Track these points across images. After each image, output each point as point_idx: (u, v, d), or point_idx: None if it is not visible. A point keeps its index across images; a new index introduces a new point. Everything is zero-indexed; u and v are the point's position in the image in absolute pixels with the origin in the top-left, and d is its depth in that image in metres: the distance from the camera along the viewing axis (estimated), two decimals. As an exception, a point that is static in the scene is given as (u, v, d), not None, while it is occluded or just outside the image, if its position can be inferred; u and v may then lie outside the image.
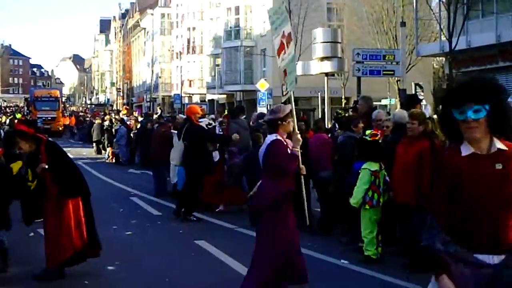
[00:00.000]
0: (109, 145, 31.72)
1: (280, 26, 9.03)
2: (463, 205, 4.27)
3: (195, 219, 14.15)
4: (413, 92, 29.92)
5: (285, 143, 7.83)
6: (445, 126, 4.44)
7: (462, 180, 4.26)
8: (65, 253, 9.08)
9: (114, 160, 30.92)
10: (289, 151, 7.82)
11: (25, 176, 9.10)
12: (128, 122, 32.49)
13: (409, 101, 12.73)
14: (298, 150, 8.04)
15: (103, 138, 34.70)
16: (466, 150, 4.31)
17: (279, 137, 7.80)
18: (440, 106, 4.44)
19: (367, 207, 10.14)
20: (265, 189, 7.91)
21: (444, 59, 34.31)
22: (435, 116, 10.91)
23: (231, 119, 16.97)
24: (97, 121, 37.89)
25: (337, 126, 14.60)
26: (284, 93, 9.05)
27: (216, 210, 15.12)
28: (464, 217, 4.28)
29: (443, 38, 28.75)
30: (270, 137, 7.89)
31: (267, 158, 7.83)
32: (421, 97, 29.01)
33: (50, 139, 9.84)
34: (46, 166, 8.93)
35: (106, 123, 34.12)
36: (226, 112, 20.15)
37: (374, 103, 15.94)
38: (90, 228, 9.38)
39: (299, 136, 8.20)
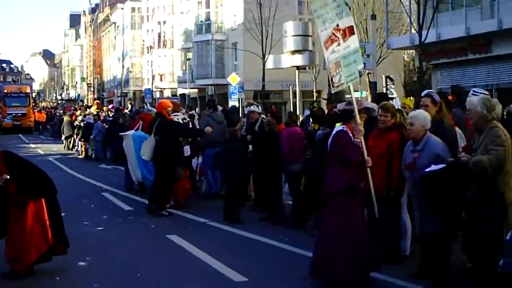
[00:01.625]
0: (82, 139, 31.40)
1: (331, 19, 8.94)
2: None
3: (167, 214, 14.09)
4: (384, 84, 30.01)
5: (350, 135, 8.35)
6: None
7: None
8: (31, 257, 9.03)
9: (85, 156, 30.77)
10: (353, 142, 8.35)
11: None
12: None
13: (379, 99, 12.59)
14: (361, 141, 8.50)
15: (74, 133, 34.40)
16: None
17: (345, 128, 8.40)
18: None
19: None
20: (332, 177, 8.43)
21: (414, 51, 34.48)
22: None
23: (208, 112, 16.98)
24: (66, 118, 37.55)
25: (311, 120, 14.53)
26: (336, 85, 9.04)
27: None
28: None
29: (413, 31, 28.87)
30: (337, 128, 8.55)
31: (332, 147, 8.48)
32: (391, 90, 29.22)
33: (2, 149, 9.69)
34: (8, 177, 8.85)
35: (79, 118, 33.75)
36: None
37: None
38: (57, 226, 9.31)
39: (361, 127, 8.57)
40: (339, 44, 8.92)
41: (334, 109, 11.38)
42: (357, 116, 8.58)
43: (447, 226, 8.24)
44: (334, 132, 8.56)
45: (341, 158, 8.34)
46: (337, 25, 8.94)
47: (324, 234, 8.51)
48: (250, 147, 14.23)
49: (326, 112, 12.96)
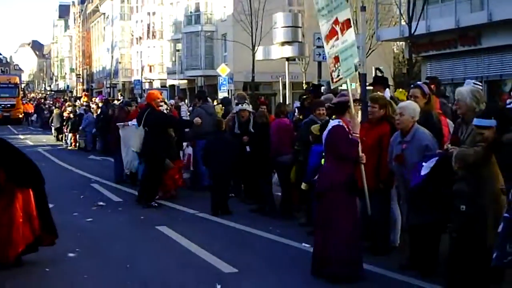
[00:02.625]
0: (72, 131, 31.35)
1: (331, 12, 8.90)
2: None
3: (156, 205, 14.09)
4: (373, 76, 30.01)
5: (347, 129, 8.21)
6: None
7: None
8: (17, 248, 9.00)
9: (76, 147, 30.69)
10: (350, 137, 8.21)
11: None
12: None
13: (377, 80, 12.52)
14: (358, 136, 8.35)
15: (63, 125, 34.30)
16: None
17: (341, 123, 8.23)
18: None
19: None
20: (327, 172, 8.38)
21: (404, 43, 34.50)
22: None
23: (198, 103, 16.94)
24: (56, 111, 37.45)
25: (296, 111, 14.51)
26: (335, 80, 8.99)
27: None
28: None
29: (403, 23, 28.90)
30: (333, 122, 8.35)
31: (328, 142, 8.32)
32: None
33: None
34: None
35: (69, 109, 33.62)
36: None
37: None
38: (45, 217, 9.28)
39: (357, 121, 8.61)
40: (337, 38, 8.88)
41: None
42: (353, 109, 8.50)
43: (433, 217, 8.25)
44: (329, 126, 8.42)
45: (336, 153, 8.27)
46: (336, 18, 8.89)
47: (318, 229, 8.55)
48: (248, 148, 14.00)
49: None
